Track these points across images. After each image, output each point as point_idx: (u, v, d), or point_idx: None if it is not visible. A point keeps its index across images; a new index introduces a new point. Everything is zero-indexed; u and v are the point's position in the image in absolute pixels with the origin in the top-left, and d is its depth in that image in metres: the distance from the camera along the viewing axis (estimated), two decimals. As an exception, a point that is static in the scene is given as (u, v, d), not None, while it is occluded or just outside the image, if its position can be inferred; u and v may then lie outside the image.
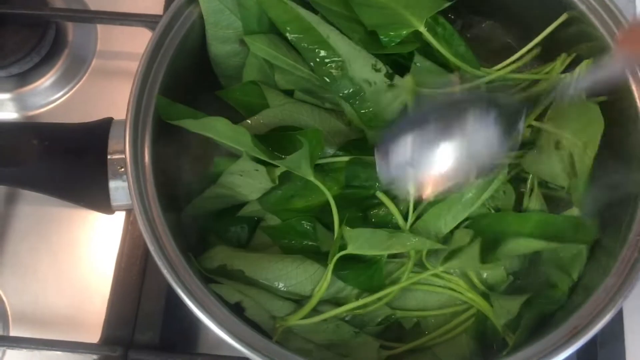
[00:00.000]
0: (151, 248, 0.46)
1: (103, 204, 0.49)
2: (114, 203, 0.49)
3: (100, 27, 0.75)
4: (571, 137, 0.51)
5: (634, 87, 0.51)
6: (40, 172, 0.48)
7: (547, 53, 0.59)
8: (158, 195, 0.48)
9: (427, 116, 0.48)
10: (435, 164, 0.48)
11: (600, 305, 0.44)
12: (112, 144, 0.49)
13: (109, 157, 0.48)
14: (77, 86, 0.73)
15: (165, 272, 0.45)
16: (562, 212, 0.53)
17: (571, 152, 0.51)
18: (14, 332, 0.63)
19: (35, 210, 0.68)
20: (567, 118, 0.52)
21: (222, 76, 0.58)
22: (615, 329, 0.57)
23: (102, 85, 0.73)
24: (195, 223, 0.54)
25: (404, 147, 0.48)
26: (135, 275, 0.61)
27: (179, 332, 0.62)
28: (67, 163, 0.48)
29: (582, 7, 0.53)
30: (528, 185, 0.56)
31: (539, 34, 0.57)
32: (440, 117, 0.48)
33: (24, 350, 0.60)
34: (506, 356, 0.45)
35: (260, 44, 0.53)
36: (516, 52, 0.57)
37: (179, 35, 0.52)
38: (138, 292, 0.60)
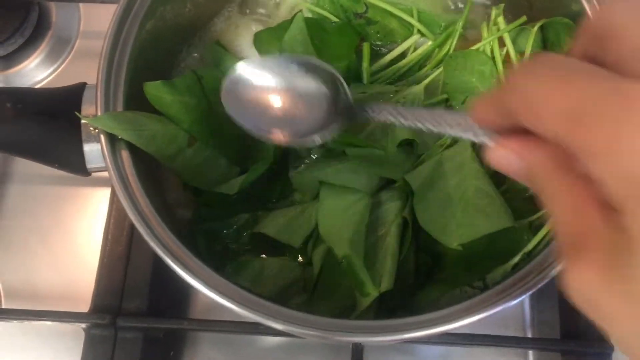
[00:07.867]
0: (125, 205, 0.46)
1: (79, 166, 0.49)
2: (89, 165, 0.49)
3: (83, 7, 0.76)
4: None
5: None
6: (14, 134, 0.48)
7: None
8: (132, 156, 0.48)
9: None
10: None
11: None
12: (86, 108, 0.49)
13: (82, 120, 0.48)
14: (62, 67, 0.74)
15: (139, 226, 0.46)
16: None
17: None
18: (6, 307, 0.64)
19: (25, 189, 0.69)
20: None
21: None
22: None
23: (86, 65, 0.72)
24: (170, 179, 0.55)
25: None
26: (122, 246, 0.62)
27: (168, 299, 0.62)
28: (41, 125, 0.48)
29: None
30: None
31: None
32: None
33: (15, 322, 0.61)
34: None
35: None
36: None
37: (148, -1, 0.53)
38: (125, 262, 0.61)
